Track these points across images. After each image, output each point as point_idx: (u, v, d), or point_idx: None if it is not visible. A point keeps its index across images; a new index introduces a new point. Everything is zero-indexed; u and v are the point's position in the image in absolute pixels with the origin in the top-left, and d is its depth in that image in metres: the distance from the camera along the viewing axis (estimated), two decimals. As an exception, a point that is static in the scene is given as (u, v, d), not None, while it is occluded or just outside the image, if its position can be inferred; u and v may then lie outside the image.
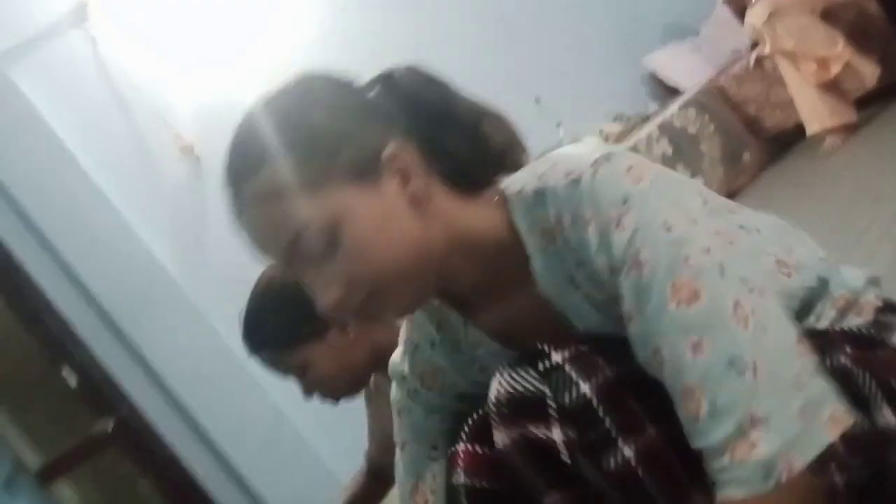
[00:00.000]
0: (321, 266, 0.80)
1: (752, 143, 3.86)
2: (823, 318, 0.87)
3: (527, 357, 0.83)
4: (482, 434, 0.87)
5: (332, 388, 1.51)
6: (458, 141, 0.86)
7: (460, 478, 0.88)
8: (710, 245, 0.75)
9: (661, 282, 0.74)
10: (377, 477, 1.75)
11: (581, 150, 0.83)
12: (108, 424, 3.21)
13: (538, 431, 0.81)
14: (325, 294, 0.81)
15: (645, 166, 0.79)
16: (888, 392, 0.78)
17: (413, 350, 0.99)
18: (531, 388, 0.82)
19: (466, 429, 0.91)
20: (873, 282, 0.90)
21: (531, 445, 0.82)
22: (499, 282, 0.88)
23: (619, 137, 4.02)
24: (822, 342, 0.80)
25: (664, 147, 3.79)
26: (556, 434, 0.81)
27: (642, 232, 0.75)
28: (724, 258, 0.75)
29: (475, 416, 0.90)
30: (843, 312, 0.87)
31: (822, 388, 0.71)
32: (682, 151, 3.78)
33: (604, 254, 0.78)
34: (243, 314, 1.50)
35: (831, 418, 0.70)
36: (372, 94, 0.87)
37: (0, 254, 3.23)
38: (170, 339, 3.28)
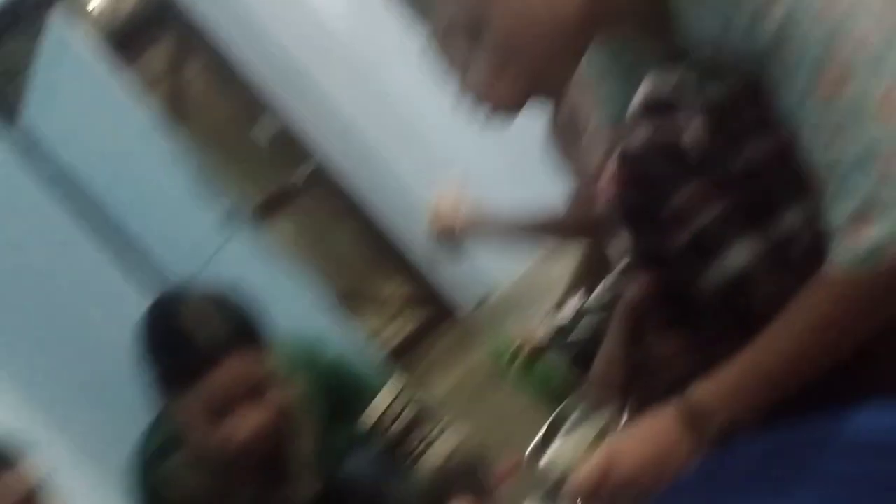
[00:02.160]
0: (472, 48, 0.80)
1: None
2: None
3: (672, 57, 0.83)
4: (629, 160, 0.87)
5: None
6: None
7: (604, 195, 0.89)
8: (871, 26, 0.70)
9: (808, 67, 0.71)
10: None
11: None
12: (301, 175, 3.45)
13: (672, 127, 0.82)
14: (471, 79, 0.83)
15: None
16: None
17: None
18: (670, 87, 0.82)
19: (618, 153, 0.90)
20: None
21: (665, 140, 0.82)
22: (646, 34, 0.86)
23: None
24: None
25: None
26: (692, 127, 0.80)
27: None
28: (885, 39, 0.70)
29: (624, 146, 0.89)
30: None
31: None
32: None
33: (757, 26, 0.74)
34: None
35: None
36: None
37: (187, 17, 3.39)
38: (350, 92, 3.39)
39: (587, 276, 1.61)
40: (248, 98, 3.52)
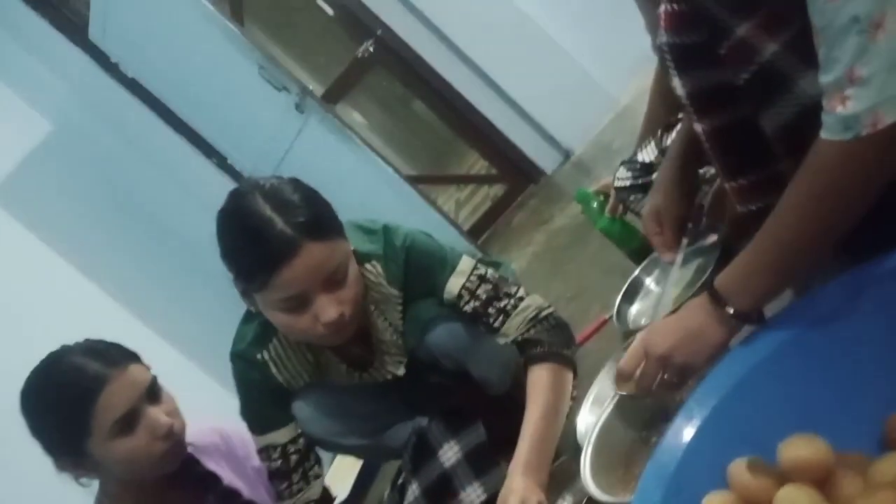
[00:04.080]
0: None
1: None
2: None
3: None
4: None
5: None
6: None
7: (663, 38, 0.90)
8: None
9: None
10: None
11: None
12: (369, 46, 3.40)
13: None
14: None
15: None
16: None
17: None
18: None
19: None
20: None
21: None
22: None
23: None
24: None
25: None
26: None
27: None
28: None
29: None
30: None
31: None
32: None
33: None
34: None
35: None
36: None
37: None
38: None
39: (656, 122, 1.56)
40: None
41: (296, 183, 1.17)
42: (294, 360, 1.30)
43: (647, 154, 1.51)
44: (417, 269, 1.26)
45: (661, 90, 1.58)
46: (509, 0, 3.33)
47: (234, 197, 1.15)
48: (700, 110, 0.93)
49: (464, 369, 1.28)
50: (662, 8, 0.89)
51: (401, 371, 1.30)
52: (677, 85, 0.92)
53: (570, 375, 1.24)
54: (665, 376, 0.90)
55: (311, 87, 2.91)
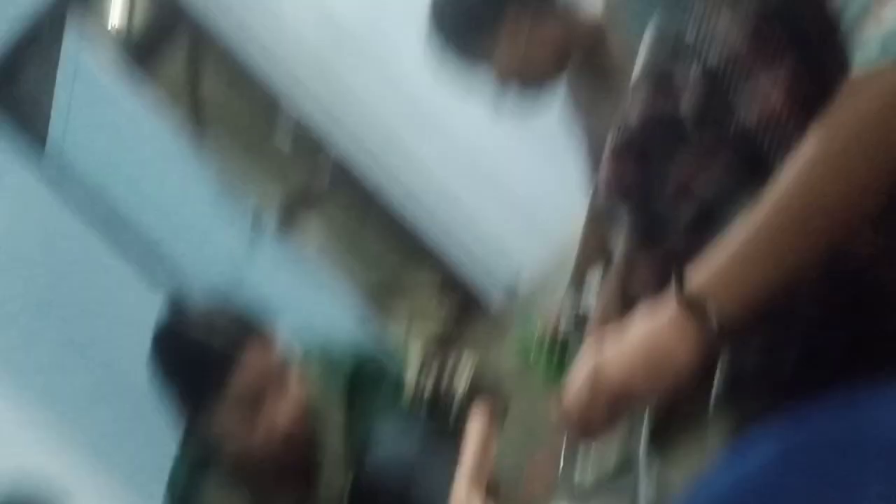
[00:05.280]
0: None
1: None
2: None
3: (665, 36, 0.84)
4: (626, 137, 0.88)
5: (530, 65, 1.43)
6: None
7: (601, 199, 0.90)
8: None
9: None
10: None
11: None
12: (322, 178, 3.47)
13: (668, 99, 0.82)
14: None
15: None
16: None
17: None
18: (664, 59, 0.83)
19: (612, 134, 0.91)
20: None
21: (661, 112, 0.82)
22: None
23: None
24: None
25: None
26: (686, 98, 0.80)
27: None
28: None
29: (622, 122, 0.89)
30: None
31: None
32: None
33: None
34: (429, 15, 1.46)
35: None
36: None
37: (200, 26, 3.41)
38: (360, 88, 3.39)
39: (589, 259, 1.62)
40: (267, 101, 3.54)
41: (223, 295, 1.18)
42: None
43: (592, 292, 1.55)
44: (361, 379, 1.26)
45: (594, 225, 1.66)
46: (460, 134, 3.45)
47: (165, 326, 1.14)
48: (639, 256, 0.91)
49: None
50: (603, 173, 0.90)
51: (345, 485, 1.26)
52: (615, 244, 0.92)
53: None
54: (614, 414, 0.70)
55: (266, 211, 2.94)
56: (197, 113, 3.58)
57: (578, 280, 1.61)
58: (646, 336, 0.69)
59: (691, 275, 0.68)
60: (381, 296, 4.40)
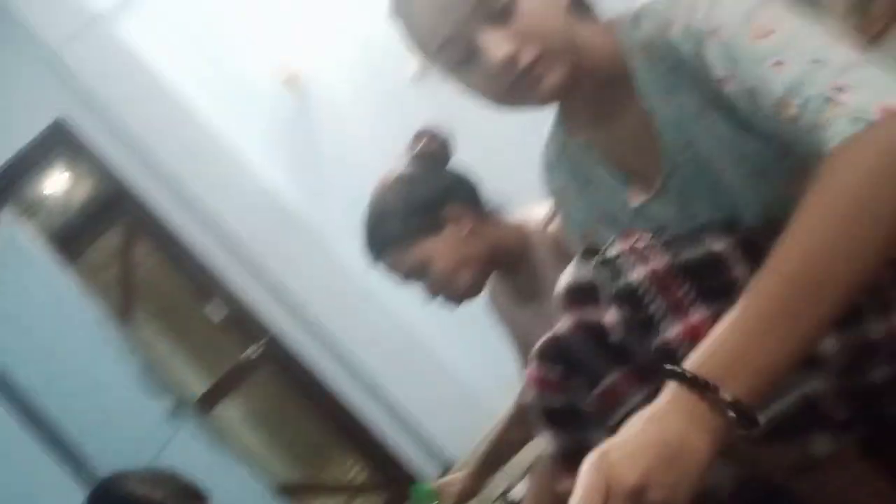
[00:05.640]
0: (498, 26, 0.88)
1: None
2: None
3: (588, 250, 0.88)
4: (550, 354, 0.90)
5: (453, 285, 1.51)
6: None
7: (532, 397, 0.91)
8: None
9: (738, 32, 0.79)
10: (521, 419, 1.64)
11: None
12: (255, 352, 3.44)
13: (593, 315, 0.85)
14: (499, 49, 0.87)
15: None
16: None
17: (546, 169, 1.12)
18: (587, 278, 0.86)
19: (536, 349, 0.93)
20: None
21: (587, 328, 0.86)
22: (608, 98, 0.96)
23: None
24: None
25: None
26: (609, 316, 0.84)
27: (717, 7, 0.82)
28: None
29: (544, 337, 0.92)
30: None
31: None
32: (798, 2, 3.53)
33: (686, 35, 0.85)
34: (365, 220, 1.55)
35: None
36: None
37: (137, 204, 3.46)
38: (300, 266, 3.43)
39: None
40: (199, 279, 3.54)
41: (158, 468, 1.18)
42: None
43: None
44: None
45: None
46: (396, 312, 3.47)
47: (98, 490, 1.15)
48: (565, 469, 0.90)
49: None
50: (531, 370, 0.90)
51: None
52: (543, 441, 0.91)
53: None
54: None
55: (191, 389, 2.87)
56: (128, 289, 3.55)
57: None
58: (656, 427, 0.62)
59: (692, 362, 0.64)
60: (312, 472, 4.25)
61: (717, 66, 0.82)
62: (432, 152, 1.54)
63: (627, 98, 0.94)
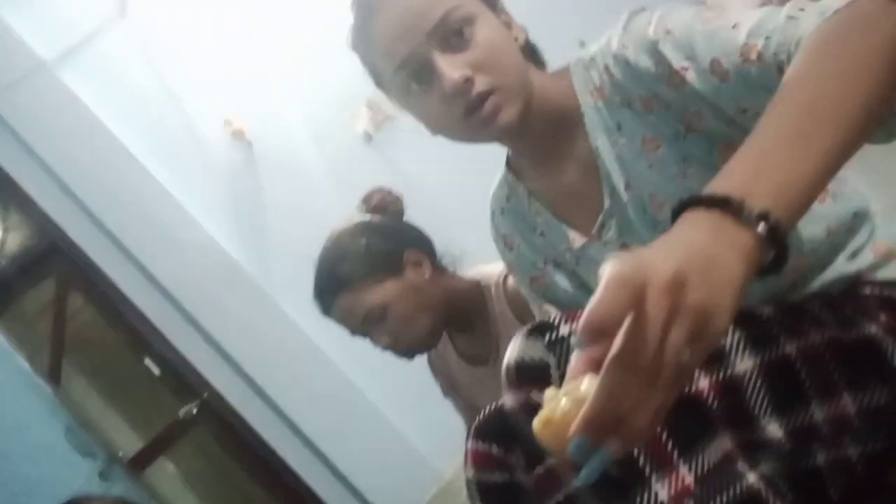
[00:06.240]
0: (455, 53, 0.91)
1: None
2: (860, 258, 0.88)
3: (538, 327, 0.86)
4: (490, 430, 0.88)
5: (411, 330, 1.48)
6: None
7: (470, 473, 0.89)
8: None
9: (689, 23, 0.84)
10: None
11: None
12: (192, 408, 3.33)
13: (541, 397, 0.83)
14: (455, 71, 0.89)
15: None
16: None
17: (494, 215, 1.14)
18: (538, 356, 0.84)
19: (475, 424, 0.91)
20: None
21: (534, 410, 0.84)
22: (557, 143, 0.98)
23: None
24: (856, 305, 0.80)
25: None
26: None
27: (667, 16, 0.87)
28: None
29: (485, 409, 0.90)
30: (882, 259, 0.88)
31: None
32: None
33: (642, 50, 0.88)
34: (317, 267, 1.51)
35: None
36: None
37: (73, 254, 3.35)
38: (241, 321, 3.36)
39: None
40: (136, 333, 3.44)
41: None
42: None
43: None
44: None
45: None
46: (340, 372, 3.41)
47: None
48: None
49: None
50: (469, 444, 0.88)
51: None
52: None
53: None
54: (678, 336, 0.49)
55: (123, 449, 2.76)
56: (60, 343, 3.43)
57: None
58: (684, 236, 0.54)
59: (716, 184, 0.57)
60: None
61: (675, 58, 0.85)
62: (387, 206, 1.54)
63: (575, 142, 0.97)
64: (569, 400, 0.54)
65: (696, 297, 0.50)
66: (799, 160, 0.57)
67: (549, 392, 0.56)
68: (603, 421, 0.49)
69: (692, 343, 0.50)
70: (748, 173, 0.57)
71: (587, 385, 0.52)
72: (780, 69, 0.74)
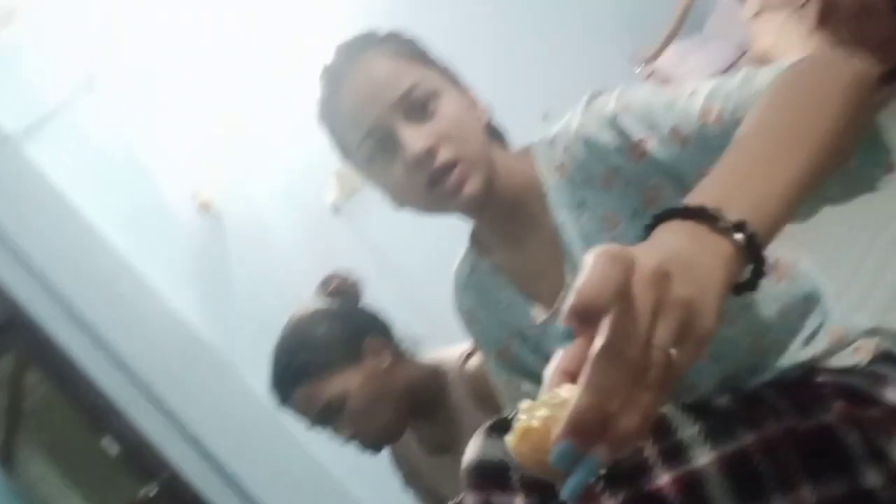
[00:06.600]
0: (418, 124, 0.93)
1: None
2: (814, 343, 0.89)
3: (497, 424, 0.87)
4: None
5: (371, 421, 1.45)
6: None
7: None
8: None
9: (647, 97, 0.87)
10: None
11: None
12: (152, 489, 3.22)
13: (501, 499, 0.82)
14: (417, 142, 0.91)
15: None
16: (875, 453, 0.77)
17: (458, 290, 1.14)
18: (497, 457, 0.84)
19: None
20: (876, 331, 0.91)
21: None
22: (519, 220, 1.00)
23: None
24: (812, 393, 0.81)
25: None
26: (518, 502, 0.82)
27: (626, 93, 0.90)
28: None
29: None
30: (836, 345, 0.88)
31: None
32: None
33: (603, 126, 0.90)
34: (274, 356, 1.48)
35: None
36: None
37: (33, 329, 3.27)
38: (205, 399, 3.29)
39: None
40: (95, 411, 3.34)
41: None
42: None
43: None
44: None
45: None
46: (306, 449, 3.33)
47: None
48: None
49: None
50: None
51: None
52: None
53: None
54: (665, 330, 0.48)
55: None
56: (16, 421, 3.32)
57: None
58: (667, 243, 0.53)
59: (690, 198, 0.57)
60: None
61: (636, 130, 0.87)
62: (345, 291, 1.52)
63: (538, 219, 0.98)
64: (548, 407, 0.50)
65: (681, 292, 0.49)
66: (771, 179, 0.58)
67: (524, 404, 0.52)
68: (590, 422, 0.46)
69: (679, 342, 0.48)
70: (723, 187, 0.58)
71: (568, 390, 0.49)
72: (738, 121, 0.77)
